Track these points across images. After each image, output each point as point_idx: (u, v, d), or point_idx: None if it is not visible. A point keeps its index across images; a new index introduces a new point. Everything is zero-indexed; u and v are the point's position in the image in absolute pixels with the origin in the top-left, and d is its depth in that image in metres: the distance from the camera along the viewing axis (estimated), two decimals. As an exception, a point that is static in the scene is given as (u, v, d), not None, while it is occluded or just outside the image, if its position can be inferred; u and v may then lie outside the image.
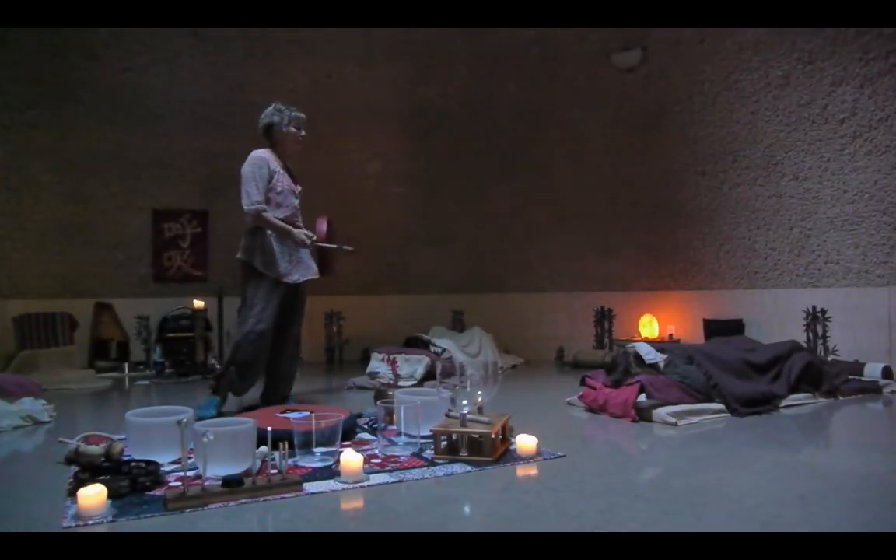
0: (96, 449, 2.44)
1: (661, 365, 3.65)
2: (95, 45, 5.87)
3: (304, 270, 3.74)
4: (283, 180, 3.69)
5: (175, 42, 6.08)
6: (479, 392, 2.99)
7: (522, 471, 2.40)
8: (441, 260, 6.75)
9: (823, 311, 5.05)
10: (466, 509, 2.02)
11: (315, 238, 3.74)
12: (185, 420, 2.13)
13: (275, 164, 3.68)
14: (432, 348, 5.35)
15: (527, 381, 5.20)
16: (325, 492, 2.13)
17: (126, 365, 5.48)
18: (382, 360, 4.99)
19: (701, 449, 2.80)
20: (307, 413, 2.75)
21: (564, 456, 2.54)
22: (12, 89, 5.66)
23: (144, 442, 2.42)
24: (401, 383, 4.71)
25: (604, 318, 6.34)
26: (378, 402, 2.72)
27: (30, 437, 3.17)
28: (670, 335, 5.80)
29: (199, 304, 5.61)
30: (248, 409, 3.61)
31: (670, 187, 6.05)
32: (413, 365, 4.93)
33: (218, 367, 5.43)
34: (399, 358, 4.99)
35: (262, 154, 3.67)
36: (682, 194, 5.99)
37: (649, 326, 5.92)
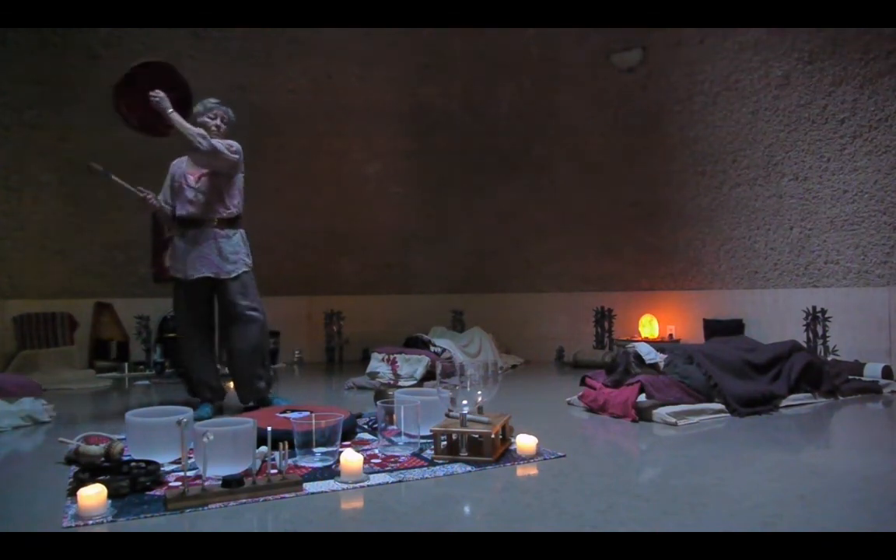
0: (96, 449, 2.44)
1: (662, 365, 3.65)
2: (95, 45, 5.87)
3: (200, 267, 3.56)
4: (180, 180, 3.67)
5: (175, 42, 6.08)
6: (479, 392, 3.00)
7: (522, 471, 2.40)
8: (441, 260, 6.75)
9: (823, 311, 5.05)
10: (466, 509, 2.02)
11: (148, 194, 3.73)
12: (185, 420, 2.13)
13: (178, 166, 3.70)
14: (432, 348, 5.35)
15: (527, 381, 5.20)
16: (325, 492, 2.13)
17: (126, 365, 5.48)
18: (382, 360, 4.99)
19: (701, 449, 2.80)
20: (307, 413, 2.75)
21: (564, 456, 2.54)
22: (12, 89, 5.65)
23: (144, 442, 2.42)
24: (401, 383, 4.71)
25: (604, 318, 6.35)
26: (378, 402, 2.72)
27: (30, 437, 3.17)
28: (670, 335, 5.80)
29: (199, 304, 5.60)
30: (248, 409, 3.62)
31: (670, 187, 6.04)
32: (413, 365, 4.93)
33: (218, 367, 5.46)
34: (399, 358, 4.99)
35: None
36: (682, 194, 5.99)
37: (649, 326, 5.92)
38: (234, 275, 3.59)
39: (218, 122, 3.72)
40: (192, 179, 3.66)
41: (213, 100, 3.77)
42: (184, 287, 3.60)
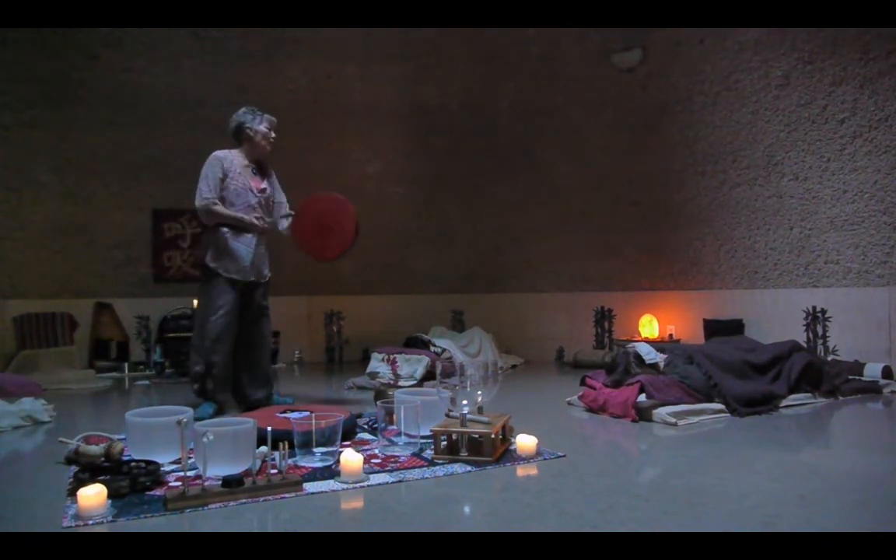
0: (96, 449, 2.44)
1: (662, 365, 3.65)
2: (95, 45, 5.87)
3: (255, 272, 3.74)
4: (238, 179, 3.69)
5: (175, 42, 6.09)
6: (479, 392, 3.00)
7: (522, 471, 2.40)
8: (441, 260, 6.75)
9: (823, 311, 5.05)
10: (466, 509, 2.02)
11: (266, 222, 3.75)
12: (185, 420, 2.13)
13: (230, 164, 3.69)
14: (432, 348, 5.35)
15: (527, 381, 5.20)
16: (325, 492, 2.13)
17: (126, 365, 5.48)
18: (382, 360, 4.99)
19: (701, 449, 2.80)
20: (307, 413, 2.75)
21: (564, 456, 2.54)
22: (12, 89, 5.66)
23: (144, 442, 2.42)
24: (401, 383, 4.71)
25: (604, 318, 6.35)
26: (378, 402, 2.72)
27: (30, 437, 3.17)
28: (670, 335, 5.80)
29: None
30: (248, 409, 3.62)
31: (670, 187, 6.05)
32: (413, 365, 4.93)
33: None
34: (399, 358, 4.99)
35: (218, 153, 3.72)
36: (682, 194, 5.99)
37: (649, 326, 5.92)
38: (268, 277, 3.88)
39: (273, 135, 3.84)
40: (255, 187, 3.77)
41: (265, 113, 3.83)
42: (237, 288, 3.69)
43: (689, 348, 3.90)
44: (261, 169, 3.84)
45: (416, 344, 5.54)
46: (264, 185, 3.82)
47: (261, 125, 3.75)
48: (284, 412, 2.97)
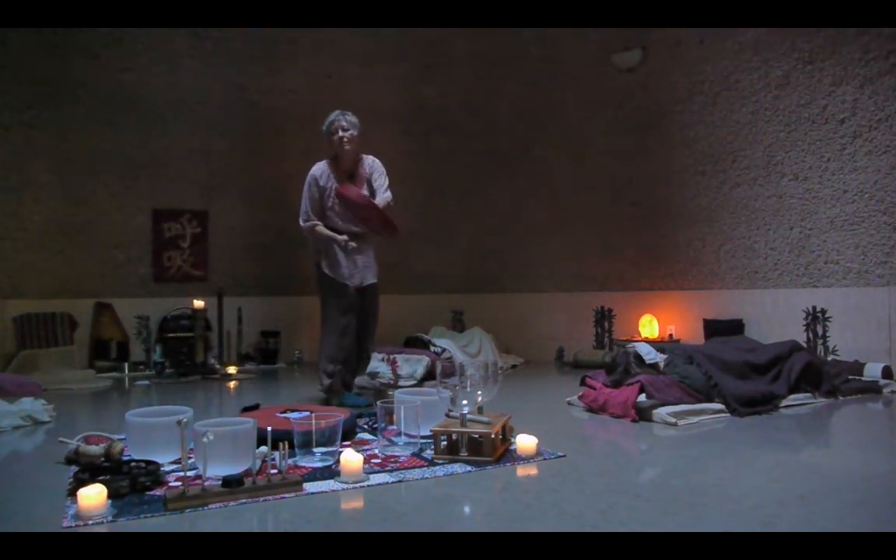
0: (96, 449, 2.44)
1: (662, 365, 3.65)
2: (95, 45, 5.87)
3: (360, 278, 3.94)
4: (334, 195, 3.81)
5: (175, 42, 6.08)
6: (479, 392, 3.00)
7: (522, 471, 2.40)
8: (441, 260, 6.75)
9: (823, 311, 5.05)
10: (466, 509, 2.02)
11: (347, 239, 3.83)
12: (184, 420, 2.13)
13: (326, 179, 3.82)
14: (432, 348, 5.35)
15: (527, 381, 5.20)
16: (325, 492, 2.13)
17: (126, 365, 5.48)
18: (382, 360, 4.99)
19: (701, 449, 2.80)
20: (307, 413, 2.75)
21: (564, 456, 2.54)
22: (12, 89, 5.65)
23: (144, 442, 2.42)
24: (401, 383, 4.71)
25: (604, 318, 6.34)
26: (378, 403, 2.72)
27: (30, 437, 3.17)
28: (670, 335, 5.80)
29: (198, 304, 5.60)
30: (248, 409, 3.62)
31: (670, 187, 6.04)
32: (413, 365, 4.93)
33: (218, 367, 5.47)
34: (399, 358, 4.99)
35: (312, 170, 3.87)
36: (682, 194, 5.98)
37: (649, 326, 5.92)
38: (373, 282, 4.08)
39: (348, 134, 3.86)
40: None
41: (341, 113, 3.88)
42: (355, 293, 3.91)
43: (689, 348, 3.90)
44: (354, 175, 3.90)
45: (416, 344, 5.54)
46: (362, 192, 3.87)
47: (333, 135, 3.81)
48: (284, 412, 2.97)
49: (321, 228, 3.83)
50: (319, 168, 3.86)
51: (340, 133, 3.80)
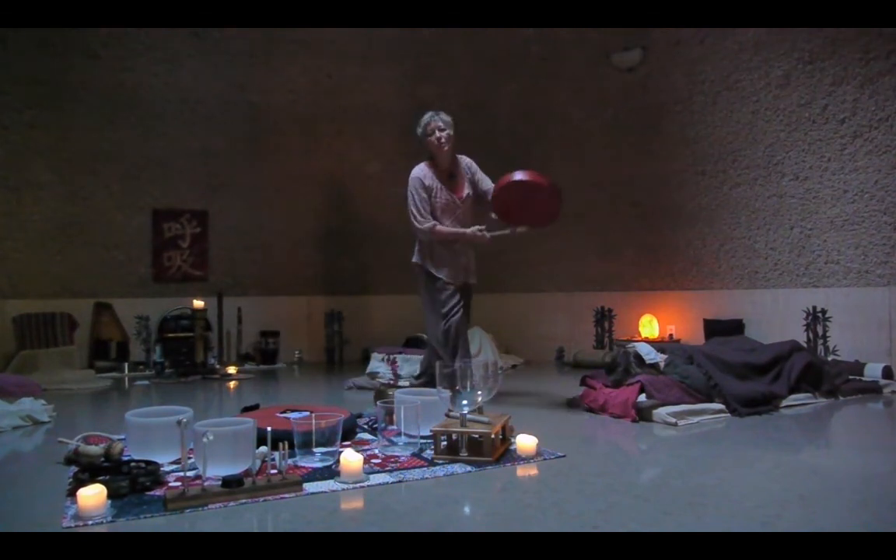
0: (96, 449, 2.44)
1: (662, 365, 3.65)
2: (95, 45, 5.87)
3: (466, 275, 3.98)
4: (441, 195, 3.81)
5: (175, 42, 6.08)
6: (479, 392, 2.99)
7: (522, 471, 2.40)
8: (441, 260, 6.74)
9: (823, 311, 5.05)
10: (466, 509, 2.02)
11: (482, 228, 3.84)
12: (184, 420, 2.13)
13: (431, 180, 3.81)
14: (432, 348, 5.34)
15: (527, 381, 5.20)
16: (325, 492, 2.13)
17: (126, 365, 5.48)
18: (382, 360, 4.99)
19: (701, 449, 2.80)
20: (307, 413, 2.75)
21: (564, 456, 2.54)
22: (12, 89, 5.65)
23: (144, 442, 2.41)
24: (401, 383, 4.71)
25: (604, 318, 6.34)
26: (378, 402, 2.72)
27: (30, 437, 3.17)
28: (670, 335, 5.80)
29: (198, 304, 5.61)
30: (247, 409, 3.61)
31: (670, 187, 6.04)
32: (413, 365, 4.92)
33: (218, 368, 5.47)
34: (399, 358, 4.99)
35: (415, 173, 3.84)
36: (682, 194, 5.98)
37: (649, 326, 5.92)
38: (474, 282, 4.12)
39: (444, 135, 3.87)
40: (458, 198, 3.96)
41: (435, 115, 3.89)
42: (461, 291, 3.95)
43: (689, 348, 3.90)
44: (454, 175, 3.90)
45: (416, 344, 5.53)
46: (466, 191, 3.88)
47: (430, 137, 3.81)
48: (284, 412, 2.97)
49: (441, 227, 3.82)
50: (421, 170, 3.85)
51: (438, 133, 3.80)
